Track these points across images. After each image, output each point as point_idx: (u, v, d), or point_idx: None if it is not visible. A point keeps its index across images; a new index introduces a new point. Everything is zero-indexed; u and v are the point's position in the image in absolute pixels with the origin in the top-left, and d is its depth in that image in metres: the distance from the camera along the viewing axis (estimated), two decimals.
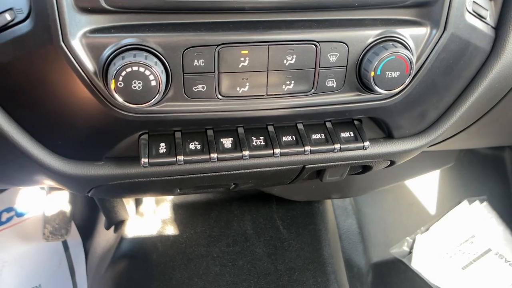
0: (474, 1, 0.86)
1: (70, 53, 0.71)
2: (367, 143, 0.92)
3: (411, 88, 0.87)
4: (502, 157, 2.11)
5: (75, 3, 0.70)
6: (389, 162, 1.09)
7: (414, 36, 0.82)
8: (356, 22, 0.81)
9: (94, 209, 2.01)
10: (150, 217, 1.79)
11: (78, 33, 0.71)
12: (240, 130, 0.90)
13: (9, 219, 2.17)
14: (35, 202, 2.14)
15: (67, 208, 2.01)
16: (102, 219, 1.90)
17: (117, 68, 0.70)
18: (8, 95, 0.79)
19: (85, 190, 0.99)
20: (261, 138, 0.90)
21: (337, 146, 0.91)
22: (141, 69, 0.71)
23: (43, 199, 2.06)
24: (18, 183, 1.19)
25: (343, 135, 0.93)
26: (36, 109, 0.80)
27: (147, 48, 0.73)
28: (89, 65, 0.73)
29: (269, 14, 0.78)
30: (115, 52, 0.72)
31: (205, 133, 0.88)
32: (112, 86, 0.71)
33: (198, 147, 0.87)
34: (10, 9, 0.71)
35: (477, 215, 2.05)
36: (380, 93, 0.82)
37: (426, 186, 2.18)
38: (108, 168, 0.89)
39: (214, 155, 0.86)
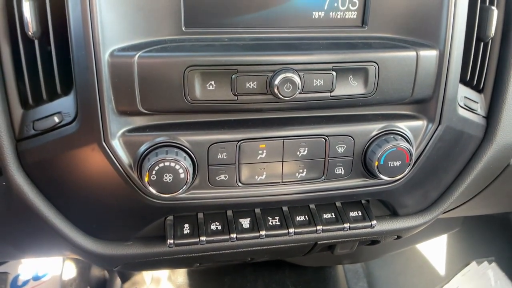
0: (465, 96, 0.96)
1: (110, 151, 0.81)
2: (374, 222, 1.00)
3: (412, 174, 0.96)
4: (508, 218, 2.16)
5: (116, 108, 0.80)
6: (396, 236, 1.17)
7: (413, 128, 0.92)
8: (361, 117, 0.91)
9: (111, 274, 2.07)
10: (165, 283, 1.84)
11: (118, 133, 0.82)
12: (257, 210, 0.98)
13: (25, 282, 2.22)
14: (52, 266, 2.20)
15: (84, 273, 2.06)
16: (119, 284, 1.96)
17: (151, 164, 0.80)
18: (51, 185, 0.89)
19: (113, 266, 1.07)
20: (277, 218, 0.99)
21: (347, 225, 0.99)
22: (172, 164, 0.81)
23: (60, 263, 2.11)
24: (46, 256, 1.27)
25: (352, 214, 1.01)
26: (75, 197, 0.90)
27: (177, 145, 0.83)
28: (126, 160, 0.83)
29: (284, 112, 0.89)
30: (149, 149, 0.82)
31: (225, 214, 0.97)
32: (146, 179, 0.81)
33: (219, 227, 0.96)
34: (59, 112, 0.83)
35: (486, 276, 2.08)
36: (384, 180, 0.91)
37: (435, 248, 2.22)
38: (136, 248, 0.98)
39: (233, 235, 0.94)
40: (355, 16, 0.89)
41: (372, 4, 0.87)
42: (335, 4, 0.87)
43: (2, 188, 0.89)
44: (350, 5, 0.88)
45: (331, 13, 0.88)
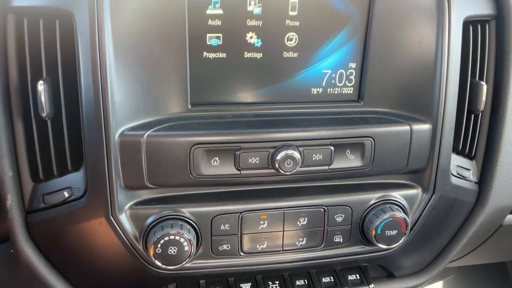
0: (458, 165, 1.01)
1: (117, 225, 0.84)
2: (372, 286, 1.03)
3: (408, 240, 0.99)
4: (503, 263, 2.18)
5: (124, 183, 0.84)
6: None
7: (408, 197, 0.96)
8: (358, 187, 0.95)
9: None
10: None
11: (125, 207, 0.85)
12: (258, 276, 1.01)
13: None
14: None
15: None
16: None
17: (157, 238, 0.83)
18: (58, 256, 0.91)
19: None
20: (277, 282, 1.01)
21: None
22: (177, 237, 0.84)
23: None
24: None
25: (350, 278, 1.04)
26: (82, 267, 0.92)
27: (181, 217, 0.86)
28: (132, 232, 0.86)
29: (284, 183, 0.92)
30: (155, 222, 0.85)
31: (226, 281, 0.99)
32: (152, 252, 0.84)
33: None
34: (69, 187, 0.86)
35: None
36: (381, 248, 0.94)
37: None
38: None
39: None
40: (351, 92, 0.94)
41: (368, 81, 0.92)
42: (333, 81, 0.92)
43: (11, 255, 0.92)
44: (346, 81, 0.93)
45: (328, 89, 0.93)
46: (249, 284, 1.00)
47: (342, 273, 1.04)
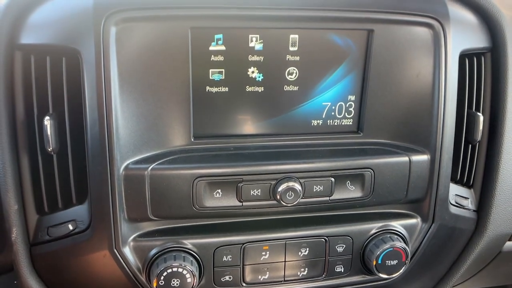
0: (456, 194, 1.02)
1: (121, 257, 0.85)
2: None
3: (409, 268, 1.00)
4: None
5: (128, 216, 0.85)
6: None
7: (408, 227, 0.97)
8: (358, 217, 0.96)
9: None
10: None
11: (128, 240, 0.86)
12: None
13: None
14: None
15: None
16: None
17: (160, 270, 0.84)
18: (62, 287, 0.92)
19: None
20: None
21: None
22: (180, 270, 0.85)
23: None
24: None
25: None
26: None
27: (184, 249, 0.87)
28: (135, 264, 0.87)
29: (285, 214, 0.94)
30: (158, 254, 0.86)
31: None
32: (155, 284, 0.84)
33: None
34: (73, 220, 0.87)
35: None
36: (382, 278, 0.95)
37: None
38: None
39: None
40: (351, 123, 0.95)
41: (367, 113, 0.93)
42: (332, 113, 0.94)
43: (14, 286, 0.92)
44: (346, 113, 0.95)
45: (328, 121, 0.95)
46: None
47: None
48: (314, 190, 0.89)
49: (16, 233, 0.86)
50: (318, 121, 0.94)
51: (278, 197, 0.87)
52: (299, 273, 0.95)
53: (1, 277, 0.99)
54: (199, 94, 0.87)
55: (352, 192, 0.92)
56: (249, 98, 0.90)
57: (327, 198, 0.91)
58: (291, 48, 0.88)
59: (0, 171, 0.83)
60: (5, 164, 0.83)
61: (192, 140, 0.88)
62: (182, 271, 0.85)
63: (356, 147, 0.94)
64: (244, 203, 0.88)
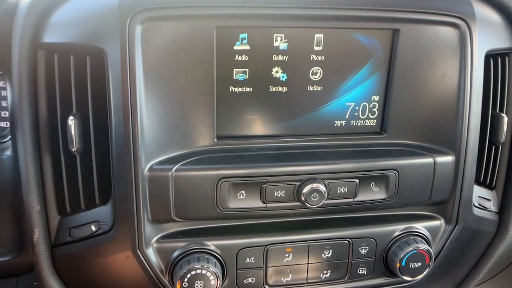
0: (479, 196, 1.01)
1: (144, 259, 0.84)
2: None
3: (431, 270, 0.99)
4: None
5: (151, 217, 0.84)
6: None
7: (431, 229, 0.96)
8: (382, 219, 0.95)
9: None
10: None
11: (151, 241, 0.85)
12: None
13: None
14: None
15: None
16: None
17: (184, 272, 0.83)
18: None
19: None
20: None
21: None
22: (203, 271, 0.84)
23: None
24: None
25: None
26: None
27: (208, 251, 0.86)
28: (158, 266, 0.86)
29: (309, 215, 0.93)
30: (181, 255, 0.85)
31: None
32: (178, 286, 0.83)
33: None
34: (96, 221, 0.86)
35: None
36: (405, 280, 0.94)
37: None
38: None
39: None
40: (374, 124, 0.94)
41: (391, 113, 0.92)
42: (356, 114, 0.93)
43: (34, 287, 0.92)
44: (369, 114, 0.94)
45: (352, 122, 0.94)
46: None
47: None
48: (338, 192, 0.88)
49: (38, 234, 0.85)
50: (342, 122, 0.93)
51: (303, 198, 0.86)
52: (321, 275, 0.94)
53: (20, 278, 0.98)
54: (222, 94, 0.86)
55: (376, 193, 0.91)
56: (272, 98, 0.89)
57: (351, 200, 0.90)
58: (316, 48, 0.87)
59: (23, 171, 0.82)
60: (28, 164, 0.82)
61: (215, 140, 0.87)
62: (206, 273, 0.84)
63: (379, 148, 0.93)
64: (268, 205, 0.87)
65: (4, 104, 1.00)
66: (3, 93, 0.99)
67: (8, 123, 0.98)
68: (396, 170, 0.90)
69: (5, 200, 0.92)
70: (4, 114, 1.00)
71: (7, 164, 0.92)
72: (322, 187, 0.86)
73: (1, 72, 0.96)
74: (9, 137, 0.95)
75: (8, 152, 0.93)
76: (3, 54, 0.88)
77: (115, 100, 0.78)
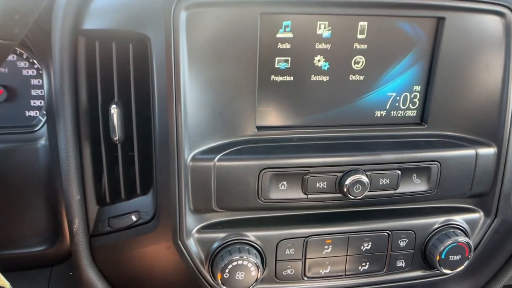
0: None
1: (185, 249, 0.83)
2: None
3: (468, 264, 0.98)
4: None
5: (193, 207, 0.83)
6: None
7: (470, 221, 0.95)
8: (421, 211, 0.94)
9: None
10: None
11: (192, 231, 0.84)
12: None
13: None
14: None
15: None
16: None
17: (225, 263, 0.82)
18: (121, 281, 0.90)
19: None
20: None
21: None
22: (245, 262, 0.83)
23: None
24: None
25: None
26: None
27: (247, 241, 0.85)
28: (198, 256, 0.85)
29: (349, 207, 0.91)
30: (221, 246, 0.84)
31: None
32: (219, 277, 0.83)
33: None
34: (136, 211, 0.85)
35: None
36: (444, 273, 0.93)
37: None
38: None
39: None
40: (414, 115, 0.93)
41: (432, 104, 0.91)
42: (396, 104, 0.92)
43: (69, 277, 0.91)
44: (410, 104, 0.92)
45: (392, 112, 0.92)
46: None
47: None
48: (380, 183, 0.87)
49: (78, 224, 0.84)
50: (382, 112, 0.92)
51: (345, 190, 0.84)
52: (360, 268, 0.93)
53: (54, 268, 0.97)
54: (264, 83, 0.85)
55: (417, 185, 0.89)
56: (313, 87, 0.87)
57: (393, 192, 0.88)
58: (359, 36, 0.85)
59: (63, 160, 0.81)
60: (69, 153, 0.81)
61: (255, 131, 0.86)
62: (247, 264, 0.83)
63: (421, 139, 0.91)
64: (309, 196, 0.85)
65: (33, 93, 0.98)
66: (33, 82, 0.98)
67: (38, 112, 0.97)
68: (438, 162, 0.88)
69: (40, 190, 0.91)
70: (34, 103, 0.98)
71: (42, 153, 0.91)
72: (364, 178, 0.84)
73: (32, 61, 0.94)
74: (40, 126, 0.94)
75: (43, 141, 0.92)
76: (40, 41, 0.86)
77: (159, 88, 0.77)
